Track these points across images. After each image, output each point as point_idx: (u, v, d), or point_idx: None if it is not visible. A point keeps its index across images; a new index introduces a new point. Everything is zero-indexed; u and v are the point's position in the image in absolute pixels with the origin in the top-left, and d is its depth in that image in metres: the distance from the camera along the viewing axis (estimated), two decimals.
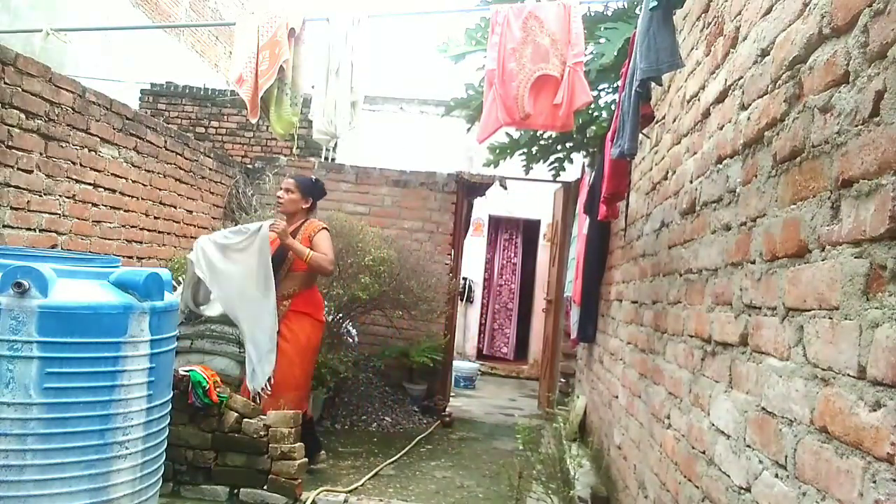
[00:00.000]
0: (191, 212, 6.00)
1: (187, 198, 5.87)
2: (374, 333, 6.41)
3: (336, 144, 8.26)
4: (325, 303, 5.39)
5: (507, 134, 5.15)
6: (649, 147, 3.38)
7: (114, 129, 4.67)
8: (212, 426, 3.45)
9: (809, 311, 1.35)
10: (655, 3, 2.20)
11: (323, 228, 3.87)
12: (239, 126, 8.29)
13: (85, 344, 2.33)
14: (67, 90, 4.20)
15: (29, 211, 3.93)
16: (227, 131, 8.28)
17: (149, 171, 5.12)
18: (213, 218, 6.47)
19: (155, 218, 5.27)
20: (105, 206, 4.65)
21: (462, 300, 9.19)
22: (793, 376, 1.40)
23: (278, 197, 3.88)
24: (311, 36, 3.58)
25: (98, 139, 4.52)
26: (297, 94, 3.62)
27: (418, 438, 5.28)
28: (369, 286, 5.12)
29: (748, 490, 1.59)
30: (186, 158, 5.83)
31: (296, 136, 3.79)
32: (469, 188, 6.92)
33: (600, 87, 4.54)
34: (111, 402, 2.39)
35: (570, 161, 5.57)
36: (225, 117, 8.33)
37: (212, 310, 3.82)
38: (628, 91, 2.49)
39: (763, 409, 1.54)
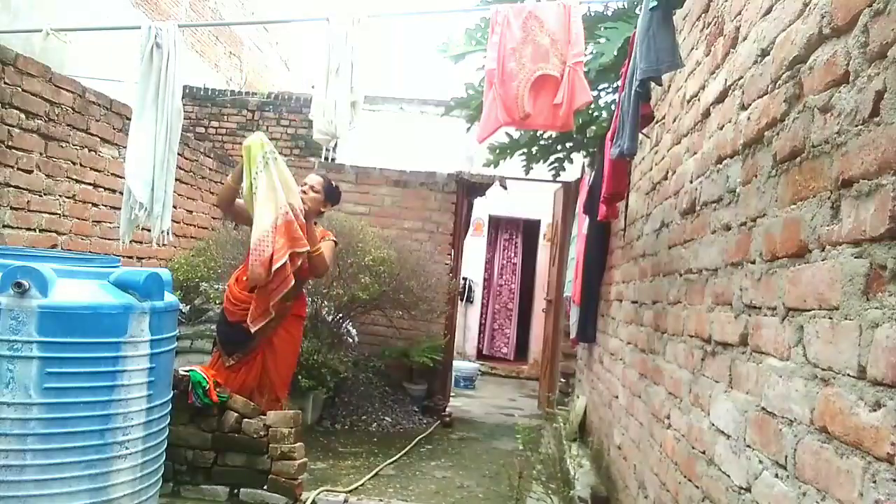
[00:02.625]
0: (191, 212, 6.00)
1: (187, 198, 5.87)
2: (374, 333, 6.41)
3: (336, 144, 8.27)
4: (325, 303, 5.41)
5: (507, 134, 5.14)
6: (649, 147, 3.38)
7: (114, 129, 4.67)
8: (212, 426, 3.44)
9: (809, 311, 1.35)
10: (655, 3, 2.20)
11: (332, 240, 3.81)
12: (239, 126, 8.29)
13: (85, 344, 2.33)
14: (67, 90, 4.20)
15: (29, 211, 3.93)
16: (227, 131, 8.28)
17: None
18: (213, 218, 6.47)
19: None
20: (105, 206, 4.66)
21: (462, 300, 9.19)
22: (793, 376, 1.40)
23: (303, 192, 3.66)
24: (312, 36, 3.58)
25: (98, 139, 4.52)
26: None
27: (418, 438, 5.28)
28: (369, 286, 5.12)
29: (748, 490, 1.59)
30: (186, 158, 5.83)
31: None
32: (469, 188, 6.92)
33: (600, 86, 4.54)
34: (111, 402, 2.39)
35: (570, 161, 5.57)
36: (225, 117, 8.33)
37: None
38: (628, 91, 2.49)
39: (763, 409, 1.54)
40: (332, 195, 3.84)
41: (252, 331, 3.50)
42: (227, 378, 3.60)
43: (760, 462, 1.53)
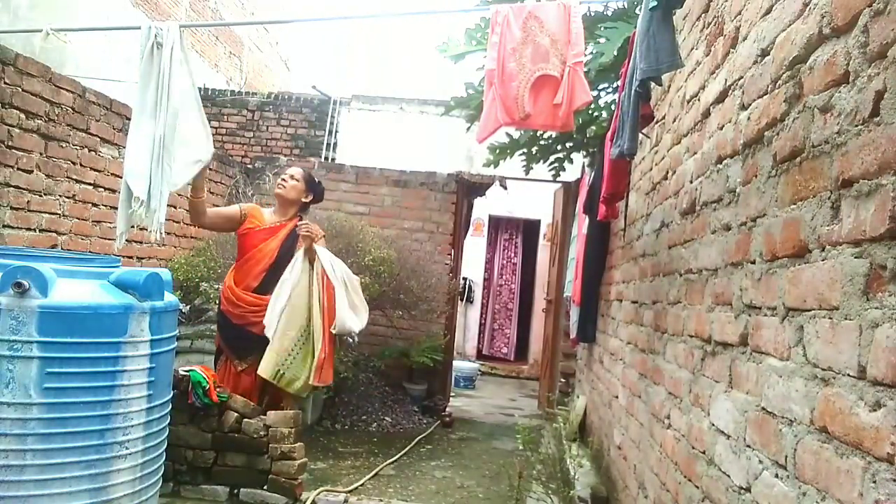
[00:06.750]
0: None
1: (187, 197, 5.86)
2: (374, 333, 6.40)
3: (336, 144, 8.28)
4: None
5: (507, 134, 5.14)
6: (649, 147, 3.38)
7: (114, 129, 4.67)
8: (212, 426, 3.45)
9: (809, 311, 1.35)
10: (655, 3, 2.20)
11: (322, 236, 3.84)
12: (239, 126, 8.29)
13: (85, 344, 2.33)
14: (67, 90, 4.20)
15: (29, 211, 3.93)
16: (227, 131, 8.28)
17: None
18: None
19: None
20: (105, 206, 4.65)
21: (462, 300, 9.19)
22: (793, 376, 1.40)
23: (283, 179, 3.80)
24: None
25: (98, 139, 4.52)
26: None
27: (418, 438, 5.28)
28: (369, 286, 5.11)
29: (748, 490, 1.59)
30: None
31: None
32: (469, 188, 6.92)
33: (600, 86, 4.54)
34: (111, 402, 2.39)
35: (570, 161, 5.57)
36: (225, 117, 8.33)
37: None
38: (628, 91, 2.49)
39: (763, 409, 1.54)
40: (313, 187, 3.92)
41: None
42: (237, 382, 3.64)
43: (760, 462, 1.53)
